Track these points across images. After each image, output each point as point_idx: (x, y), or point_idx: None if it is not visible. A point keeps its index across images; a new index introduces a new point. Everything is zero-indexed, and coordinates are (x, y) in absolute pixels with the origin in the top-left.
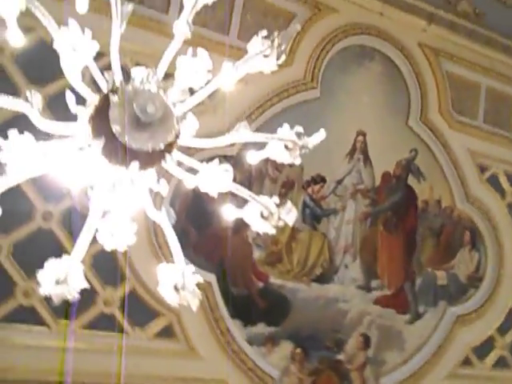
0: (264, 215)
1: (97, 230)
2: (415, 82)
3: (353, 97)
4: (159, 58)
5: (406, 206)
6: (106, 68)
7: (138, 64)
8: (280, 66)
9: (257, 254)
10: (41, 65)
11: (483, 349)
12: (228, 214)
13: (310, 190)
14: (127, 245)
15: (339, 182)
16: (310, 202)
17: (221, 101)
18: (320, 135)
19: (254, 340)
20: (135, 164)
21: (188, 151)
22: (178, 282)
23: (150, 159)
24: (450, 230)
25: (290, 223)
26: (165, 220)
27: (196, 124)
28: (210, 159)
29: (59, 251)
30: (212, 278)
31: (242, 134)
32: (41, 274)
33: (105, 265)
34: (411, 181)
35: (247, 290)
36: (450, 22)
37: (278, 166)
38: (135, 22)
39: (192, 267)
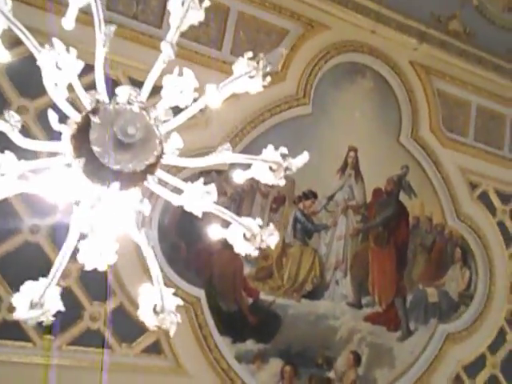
0: (247, 237)
1: (77, 250)
2: (406, 99)
3: (345, 113)
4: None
5: (397, 222)
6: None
7: (129, 77)
8: (272, 81)
9: (247, 270)
10: (31, 78)
11: (474, 367)
12: (213, 233)
13: (301, 206)
14: (108, 264)
15: (330, 198)
16: (301, 217)
17: (212, 115)
18: (303, 158)
19: (242, 357)
20: (116, 184)
21: (177, 167)
22: (158, 304)
23: (132, 180)
24: (442, 246)
25: (272, 246)
26: (144, 241)
27: (181, 143)
28: (202, 174)
29: (46, 265)
30: (201, 293)
31: (225, 155)
32: (15, 298)
33: (92, 279)
34: (402, 197)
35: (237, 305)
36: (441, 40)
37: None
38: (128, 35)
39: (172, 290)
